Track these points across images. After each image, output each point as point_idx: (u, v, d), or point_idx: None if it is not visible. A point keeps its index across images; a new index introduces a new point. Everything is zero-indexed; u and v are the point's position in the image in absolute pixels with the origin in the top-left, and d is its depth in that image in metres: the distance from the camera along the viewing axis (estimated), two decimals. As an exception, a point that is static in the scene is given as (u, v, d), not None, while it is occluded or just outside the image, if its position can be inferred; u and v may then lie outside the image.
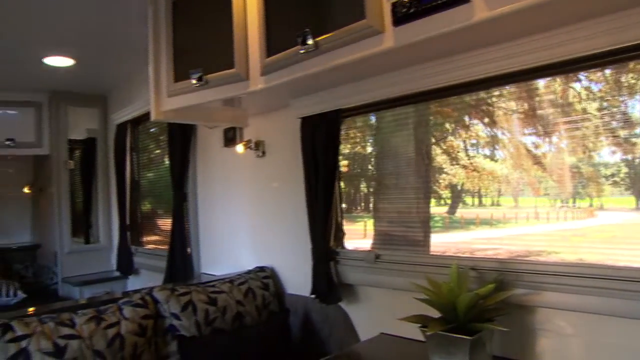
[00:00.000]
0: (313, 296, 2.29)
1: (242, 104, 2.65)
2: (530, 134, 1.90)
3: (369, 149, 2.51)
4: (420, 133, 2.19)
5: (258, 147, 2.69)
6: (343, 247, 2.40)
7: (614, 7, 1.37)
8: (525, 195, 1.97)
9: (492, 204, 2.14)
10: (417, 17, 1.46)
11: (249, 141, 2.72)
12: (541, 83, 1.78)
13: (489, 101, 1.96)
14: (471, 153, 2.12)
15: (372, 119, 2.42)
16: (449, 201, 2.26)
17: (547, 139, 1.84)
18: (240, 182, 2.92)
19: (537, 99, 1.81)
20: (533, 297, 1.64)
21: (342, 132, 2.32)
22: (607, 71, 1.64)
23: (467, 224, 2.24)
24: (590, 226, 1.79)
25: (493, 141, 2.03)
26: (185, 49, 2.23)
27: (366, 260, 2.19)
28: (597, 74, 1.67)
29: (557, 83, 1.75)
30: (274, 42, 1.88)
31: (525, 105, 1.86)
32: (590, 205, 1.79)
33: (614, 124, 1.62)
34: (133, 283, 4.18)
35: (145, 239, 4.24)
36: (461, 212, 2.23)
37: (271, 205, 2.71)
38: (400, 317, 1.66)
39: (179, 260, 3.21)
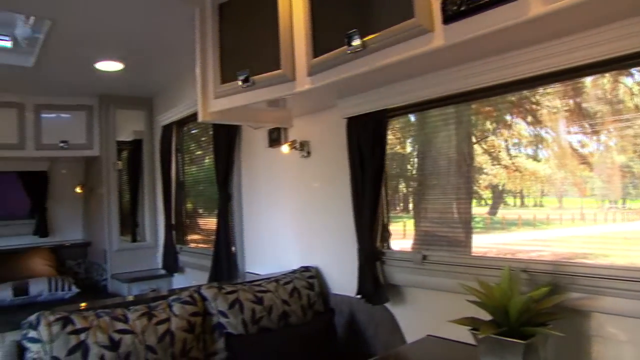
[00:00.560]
0: (359, 296, 2.28)
1: (286, 105, 2.67)
2: (576, 133, 1.83)
3: (409, 149, 2.49)
4: (462, 132, 2.17)
5: (303, 147, 2.71)
6: (389, 248, 2.38)
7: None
8: (570, 196, 1.90)
9: (535, 205, 2.08)
10: (469, 14, 1.44)
11: (294, 141, 2.74)
12: (588, 79, 1.72)
13: (532, 99, 1.92)
14: (513, 152, 2.07)
15: (411, 118, 2.39)
16: (489, 202, 2.21)
17: (594, 138, 1.77)
18: (284, 182, 2.95)
19: (584, 95, 1.75)
20: (588, 301, 1.59)
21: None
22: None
23: (508, 225, 2.18)
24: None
25: (536, 140, 1.97)
26: (232, 51, 2.26)
27: (413, 261, 2.17)
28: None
29: (606, 79, 1.68)
30: (320, 42, 1.89)
31: (571, 103, 1.80)
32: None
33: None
34: (178, 281, 4.29)
35: (190, 237, 4.34)
36: (502, 212, 2.17)
37: (316, 205, 2.72)
38: (447, 319, 1.64)
39: (223, 259, 3.27)
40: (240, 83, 2.14)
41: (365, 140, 2.23)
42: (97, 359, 1.79)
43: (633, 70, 1.61)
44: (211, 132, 3.82)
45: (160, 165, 4.32)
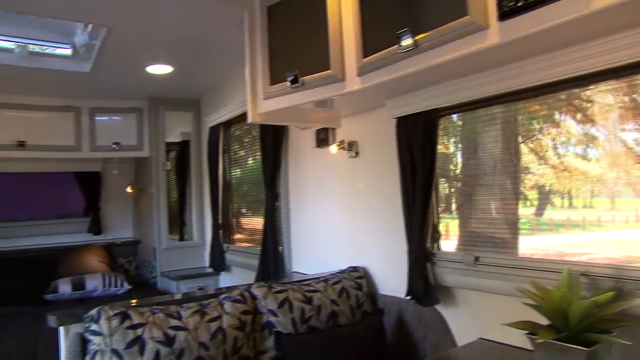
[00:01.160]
0: (408, 297, 2.26)
1: (334, 105, 2.68)
2: (631, 130, 1.75)
3: (451, 149, 2.44)
4: (508, 131, 2.12)
5: (351, 147, 2.71)
6: (439, 249, 2.35)
7: None
8: (624, 197, 1.81)
9: (584, 206, 2.00)
10: (526, 9, 1.39)
11: (342, 142, 2.74)
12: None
13: (583, 96, 1.85)
14: (561, 152, 1.99)
15: (453, 117, 2.35)
16: (535, 202, 2.14)
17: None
18: (332, 182, 2.95)
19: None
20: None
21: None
22: None
23: (556, 226, 2.10)
24: None
25: (586, 139, 1.90)
26: (281, 52, 2.28)
27: (464, 263, 2.13)
28: None
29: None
30: (369, 42, 1.88)
31: (626, 99, 1.72)
32: None
33: None
34: (224, 279, 4.38)
35: (236, 237, 4.41)
36: (549, 214, 2.10)
37: (364, 205, 2.71)
38: (500, 322, 1.61)
39: (271, 258, 3.30)
40: (289, 84, 2.16)
41: (416, 140, 2.20)
42: (153, 354, 1.85)
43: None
44: (254, 133, 3.89)
45: (207, 165, 4.41)
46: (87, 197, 5.27)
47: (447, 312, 2.25)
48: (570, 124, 1.95)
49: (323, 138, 2.90)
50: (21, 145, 4.29)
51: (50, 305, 4.04)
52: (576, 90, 1.84)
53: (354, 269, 2.66)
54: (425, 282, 2.19)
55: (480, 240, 2.23)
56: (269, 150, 3.33)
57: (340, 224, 2.90)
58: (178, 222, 5.21)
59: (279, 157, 3.34)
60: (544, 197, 2.09)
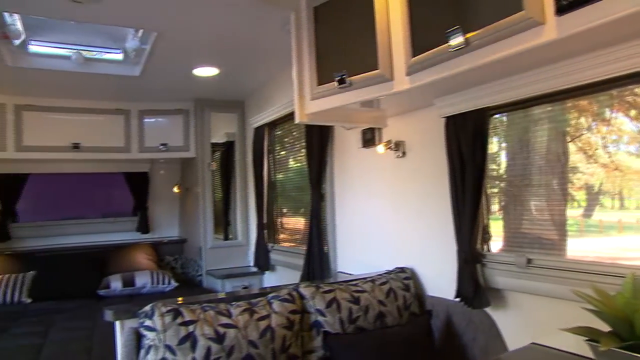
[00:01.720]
0: (457, 299, 2.22)
1: (380, 105, 2.66)
2: None
3: (494, 148, 2.38)
4: (555, 130, 2.06)
5: (398, 147, 2.68)
6: (489, 250, 2.29)
7: None
8: None
9: (638, 207, 1.91)
10: (585, 3, 1.35)
11: (389, 142, 2.72)
12: None
13: (637, 91, 1.75)
14: (612, 150, 1.90)
15: (497, 116, 2.29)
16: (583, 203, 2.06)
17: None
18: (379, 182, 2.93)
19: None
20: None
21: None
22: None
23: (606, 228, 2.01)
24: None
25: None
26: (328, 52, 2.29)
27: (516, 265, 2.07)
28: None
29: None
30: (419, 41, 1.86)
31: None
32: None
33: None
34: (269, 279, 4.42)
35: (280, 236, 4.45)
36: (598, 215, 2.01)
37: (411, 206, 2.68)
38: (554, 327, 1.55)
39: (316, 258, 3.31)
40: (336, 84, 2.16)
41: (466, 139, 2.16)
42: (204, 350, 1.88)
43: None
44: (295, 134, 3.91)
45: (252, 165, 4.46)
46: (135, 197, 5.45)
47: (498, 315, 2.20)
48: (622, 121, 1.87)
49: (369, 138, 2.88)
50: (76, 147, 4.49)
51: (103, 301, 4.21)
52: (631, 86, 1.76)
53: (401, 269, 2.63)
54: (475, 284, 2.15)
55: (525, 242, 2.18)
56: (314, 151, 3.35)
57: (386, 224, 2.88)
58: (222, 222, 5.31)
59: (324, 157, 3.35)
60: (593, 197, 2.01)
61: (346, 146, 3.22)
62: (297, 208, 4.12)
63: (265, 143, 4.37)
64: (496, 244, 2.31)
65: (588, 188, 2.02)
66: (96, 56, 3.75)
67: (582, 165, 2.01)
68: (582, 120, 2.01)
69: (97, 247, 5.07)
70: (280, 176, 4.44)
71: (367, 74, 2.05)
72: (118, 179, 5.38)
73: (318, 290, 2.28)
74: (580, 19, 1.36)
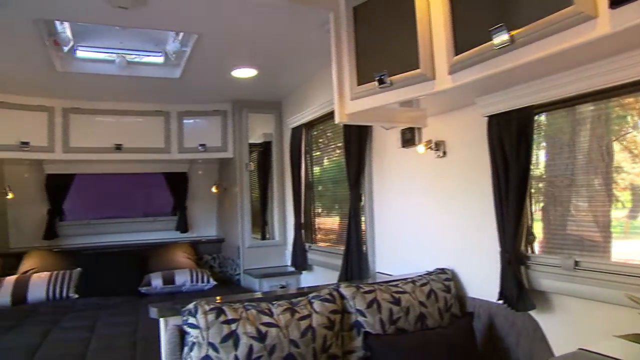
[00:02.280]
0: (501, 302, 2.17)
1: (420, 105, 2.63)
2: None
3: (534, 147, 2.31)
4: (599, 128, 1.99)
5: (438, 147, 2.65)
6: (533, 251, 2.24)
7: None
8: None
9: None
10: (641, -5, 1.29)
11: (429, 141, 2.69)
12: None
13: None
14: None
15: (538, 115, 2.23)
16: (628, 204, 1.98)
17: None
18: (418, 182, 2.91)
19: None
20: None
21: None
22: None
23: None
24: None
25: None
26: (368, 52, 2.28)
27: (563, 267, 2.01)
28: None
29: None
30: (461, 39, 1.83)
31: None
32: None
33: None
34: (306, 278, 4.44)
35: (318, 236, 4.46)
36: None
37: (451, 206, 2.64)
38: (604, 333, 1.50)
39: (354, 258, 3.31)
40: (376, 84, 2.14)
41: (509, 139, 2.12)
42: (246, 349, 1.91)
43: None
44: (329, 134, 3.90)
45: (290, 166, 4.49)
46: (175, 197, 5.57)
47: (542, 319, 2.14)
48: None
49: (409, 138, 2.86)
50: (118, 148, 4.63)
51: (145, 298, 4.32)
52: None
53: (442, 270, 2.60)
54: (519, 286, 2.10)
55: (566, 244, 2.12)
56: (353, 151, 3.34)
57: (426, 224, 2.84)
58: (260, 222, 5.36)
59: (363, 157, 3.33)
60: (639, 198, 1.94)
61: (385, 146, 3.20)
62: (337, 208, 4.12)
63: (303, 143, 4.39)
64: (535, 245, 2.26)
65: (633, 188, 1.95)
66: (138, 59, 3.84)
67: (627, 165, 1.95)
68: (628, 118, 1.95)
69: (138, 245, 5.22)
70: (320, 176, 4.45)
71: (407, 73, 2.04)
72: (158, 179, 5.51)
73: (359, 291, 2.27)
74: (637, 12, 1.31)
